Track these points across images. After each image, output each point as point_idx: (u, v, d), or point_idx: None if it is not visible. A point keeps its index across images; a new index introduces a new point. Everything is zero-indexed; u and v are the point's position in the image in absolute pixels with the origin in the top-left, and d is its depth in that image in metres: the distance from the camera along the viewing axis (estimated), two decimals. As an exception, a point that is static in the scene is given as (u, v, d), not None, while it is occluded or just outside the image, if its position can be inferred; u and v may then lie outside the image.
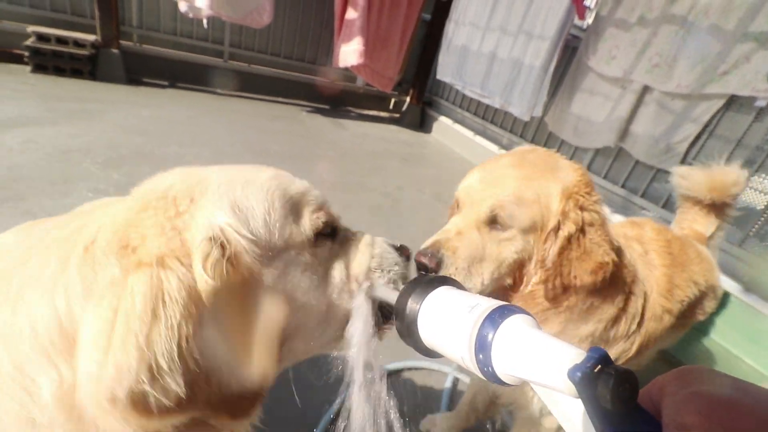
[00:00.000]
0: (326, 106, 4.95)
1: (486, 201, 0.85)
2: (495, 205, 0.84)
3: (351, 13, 3.92)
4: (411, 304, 0.43)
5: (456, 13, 3.99)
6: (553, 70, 3.18)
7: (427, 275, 0.46)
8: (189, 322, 0.37)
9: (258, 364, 0.43)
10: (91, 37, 3.54)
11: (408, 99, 5.15)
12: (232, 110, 3.98)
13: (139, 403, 0.34)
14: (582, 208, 0.85)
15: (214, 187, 0.47)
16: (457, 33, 4.01)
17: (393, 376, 1.49)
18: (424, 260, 0.81)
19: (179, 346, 0.36)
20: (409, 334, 0.43)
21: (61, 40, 3.41)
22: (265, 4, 3.69)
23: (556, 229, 0.84)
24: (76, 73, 3.52)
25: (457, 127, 4.58)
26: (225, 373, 0.40)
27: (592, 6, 4.05)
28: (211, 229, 0.43)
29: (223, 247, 0.42)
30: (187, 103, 3.79)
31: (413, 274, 0.69)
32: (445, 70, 4.20)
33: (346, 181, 3.04)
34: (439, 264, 0.81)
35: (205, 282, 0.39)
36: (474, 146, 4.28)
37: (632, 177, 2.92)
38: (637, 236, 1.15)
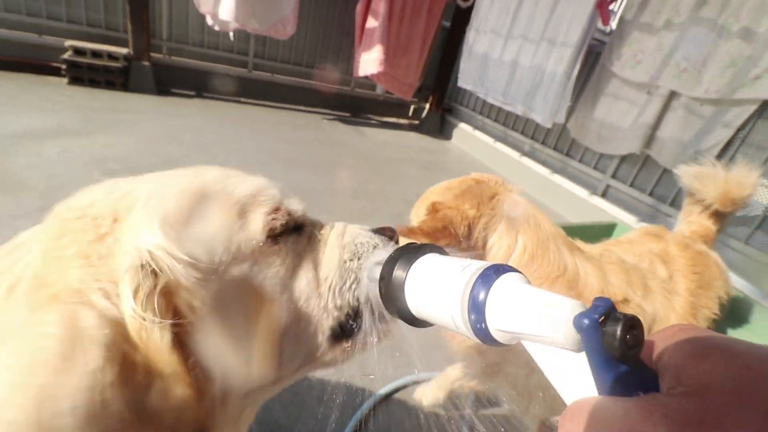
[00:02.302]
0: (347, 114, 5.01)
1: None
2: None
3: (371, 23, 3.98)
4: (397, 271, 0.41)
5: (476, 21, 4.00)
6: (576, 76, 3.14)
7: (415, 243, 0.44)
8: (113, 367, 0.31)
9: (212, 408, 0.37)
10: (123, 50, 3.71)
11: (428, 106, 5.16)
12: (256, 119, 4.08)
13: None
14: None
15: (142, 201, 0.40)
16: (477, 40, 4.01)
17: (396, 395, 1.49)
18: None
19: (97, 395, 0.29)
20: (395, 302, 0.41)
21: (96, 54, 3.58)
22: (289, 16, 3.78)
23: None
24: (110, 85, 3.69)
25: (478, 133, 4.57)
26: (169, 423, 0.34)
27: (616, 10, 3.99)
28: (138, 256, 0.36)
29: (155, 274, 0.35)
30: (213, 113, 3.91)
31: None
32: (466, 77, 4.20)
33: (366, 188, 3.07)
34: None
35: (133, 318, 0.33)
36: (495, 153, 4.25)
37: (660, 184, 2.85)
38: (662, 253, 1.12)
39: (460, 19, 4.45)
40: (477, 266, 0.35)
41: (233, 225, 0.42)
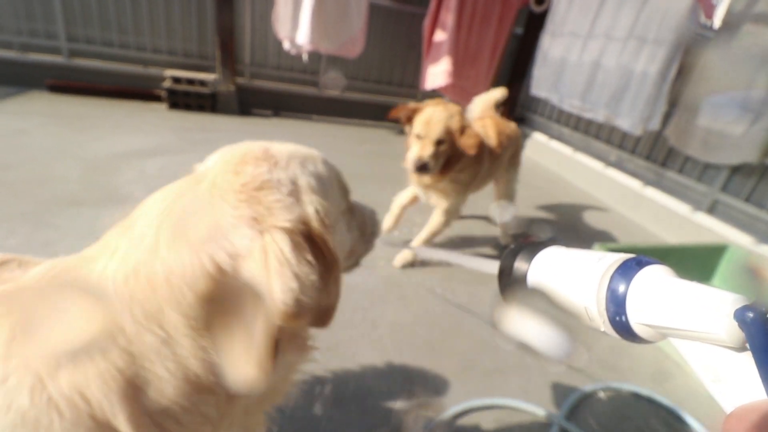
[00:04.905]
0: (413, 127, 5.01)
1: (433, 135, 1.76)
2: (438, 135, 1.76)
3: (439, 35, 3.95)
4: (518, 264, 0.41)
5: (552, 25, 3.77)
6: (674, 77, 2.79)
7: (533, 238, 0.44)
8: (313, 256, 0.50)
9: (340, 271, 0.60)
10: (212, 77, 4.09)
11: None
12: (327, 135, 4.23)
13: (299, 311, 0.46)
14: (459, 122, 1.79)
15: (298, 167, 0.59)
16: (553, 45, 3.78)
17: (465, 417, 1.37)
18: (419, 163, 1.76)
19: (313, 271, 0.49)
20: (517, 294, 0.42)
21: (190, 81, 3.99)
22: (358, 35, 3.90)
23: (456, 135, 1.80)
24: (201, 108, 4.08)
25: (554, 143, 4.28)
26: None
27: (719, 3, 3.51)
28: (314, 206, 0.55)
29: (318, 213, 0.55)
30: (287, 130, 4.14)
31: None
32: (540, 84, 3.97)
33: (434, 202, 3.00)
34: (425, 165, 1.77)
35: (318, 232, 0.53)
36: (573, 164, 3.93)
37: (787, 199, 2.39)
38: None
39: (534, 25, 4.25)
40: (614, 257, 0.33)
41: (343, 193, 0.73)
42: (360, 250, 0.80)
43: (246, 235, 0.46)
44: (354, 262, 0.81)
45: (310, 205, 0.54)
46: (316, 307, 0.50)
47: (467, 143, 1.78)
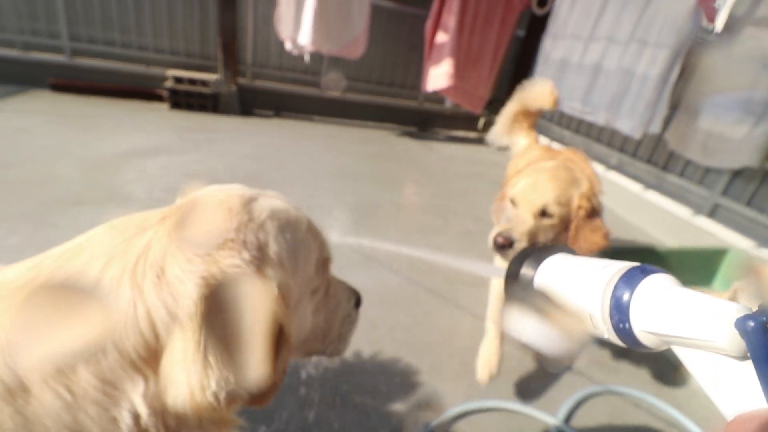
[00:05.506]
0: (414, 129, 5.02)
1: (538, 201, 1.27)
2: (545, 203, 1.26)
3: (441, 37, 3.96)
4: (525, 270, 0.42)
5: (554, 28, 3.78)
6: (675, 80, 2.79)
7: (540, 244, 0.45)
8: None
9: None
10: (214, 77, 4.10)
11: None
12: (328, 135, 4.24)
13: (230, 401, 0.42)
14: (590, 200, 1.28)
15: (273, 231, 0.51)
16: (555, 47, 3.78)
17: (464, 419, 1.37)
18: (500, 240, 1.21)
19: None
20: (523, 300, 0.43)
21: (192, 81, 4.00)
22: (360, 36, 3.91)
23: (575, 215, 1.28)
24: (202, 108, 4.09)
25: (556, 146, 4.27)
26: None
27: (721, 6, 3.51)
28: (277, 282, 0.48)
29: (283, 295, 0.49)
30: (289, 130, 4.14)
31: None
32: (541, 87, 3.97)
33: (433, 204, 3.00)
34: (511, 242, 1.21)
35: (277, 308, 0.46)
36: (573, 167, 3.93)
37: (788, 204, 2.39)
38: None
39: (536, 27, 4.26)
40: (619, 266, 0.34)
41: (318, 267, 0.63)
42: (316, 347, 0.69)
43: (191, 295, 0.41)
44: (307, 353, 0.70)
45: (273, 281, 0.47)
46: (248, 397, 0.44)
47: (592, 238, 1.25)
